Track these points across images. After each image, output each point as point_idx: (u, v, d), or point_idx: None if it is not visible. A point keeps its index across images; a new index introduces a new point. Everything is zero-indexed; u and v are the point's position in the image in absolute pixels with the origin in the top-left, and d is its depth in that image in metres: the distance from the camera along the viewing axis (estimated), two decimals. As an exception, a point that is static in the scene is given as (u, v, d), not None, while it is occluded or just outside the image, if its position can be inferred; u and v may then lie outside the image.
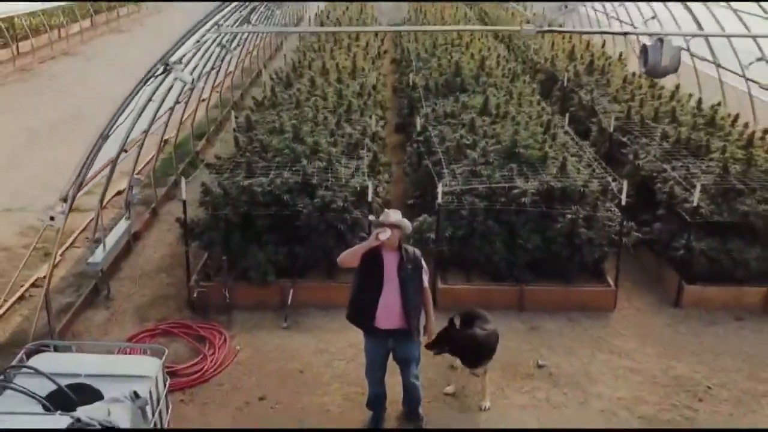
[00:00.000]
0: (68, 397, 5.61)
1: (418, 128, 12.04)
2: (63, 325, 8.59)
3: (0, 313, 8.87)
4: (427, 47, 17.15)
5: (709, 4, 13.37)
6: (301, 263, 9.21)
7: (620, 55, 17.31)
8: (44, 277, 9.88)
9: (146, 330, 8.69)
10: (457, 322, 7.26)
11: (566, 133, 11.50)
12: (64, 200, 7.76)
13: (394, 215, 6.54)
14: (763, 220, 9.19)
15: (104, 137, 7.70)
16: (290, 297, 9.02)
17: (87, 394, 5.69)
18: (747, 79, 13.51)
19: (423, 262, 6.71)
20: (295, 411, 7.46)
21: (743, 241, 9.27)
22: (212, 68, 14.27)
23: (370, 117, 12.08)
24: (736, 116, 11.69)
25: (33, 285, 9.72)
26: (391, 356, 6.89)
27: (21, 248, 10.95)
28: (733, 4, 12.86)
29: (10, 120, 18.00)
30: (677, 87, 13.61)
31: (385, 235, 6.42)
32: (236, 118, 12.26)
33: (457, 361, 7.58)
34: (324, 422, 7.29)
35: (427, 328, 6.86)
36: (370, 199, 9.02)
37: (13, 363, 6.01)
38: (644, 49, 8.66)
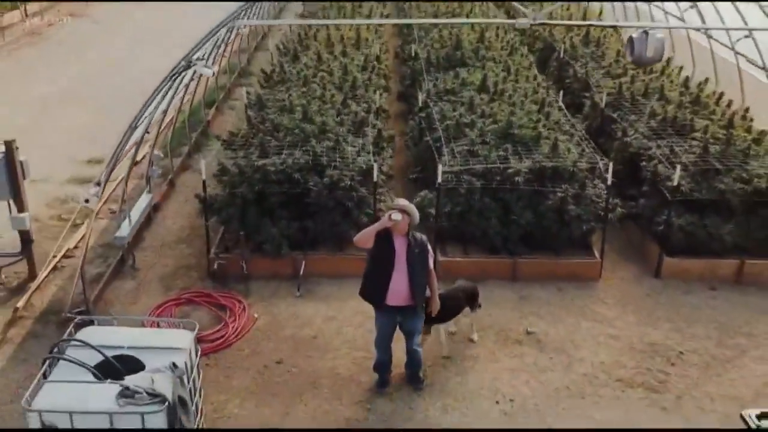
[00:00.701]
0: (115, 367, 6.45)
1: (420, 103, 12.72)
2: (96, 294, 9.42)
3: (37, 284, 9.68)
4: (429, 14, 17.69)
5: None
6: (311, 237, 10.01)
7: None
8: (74, 247, 10.76)
9: (171, 299, 9.52)
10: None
11: (560, 109, 12.17)
12: (97, 184, 8.51)
13: (404, 203, 7.34)
14: (738, 198, 9.94)
15: (133, 128, 8.41)
16: (302, 268, 9.83)
17: (131, 364, 6.51)
18: (736, 53, 14.11)
19: (429, 247, 7.51)
20: (309, 374, 8.33)
21: (719, 217, 10.05)
22: (222, 42, 14.85)
23: (375, 92, 12.76)
24: (721, 95, 12.34)
25: (64, 256, 10.51)
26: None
27: (49, 220, 11.72)
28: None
29: (23, 87, 18.58)
30: (669, 60, 14.20)
31: (397, 216, 7.21)
32: (248, 94, 12.91)
33: (452, 327, 8.50)
34: (335, 384, 8.16)
35: (431, 302, 7.70)
36: (375, 178, 9.77)
37: (64, 337, 6.83)
38: (630, 41, 9.29)
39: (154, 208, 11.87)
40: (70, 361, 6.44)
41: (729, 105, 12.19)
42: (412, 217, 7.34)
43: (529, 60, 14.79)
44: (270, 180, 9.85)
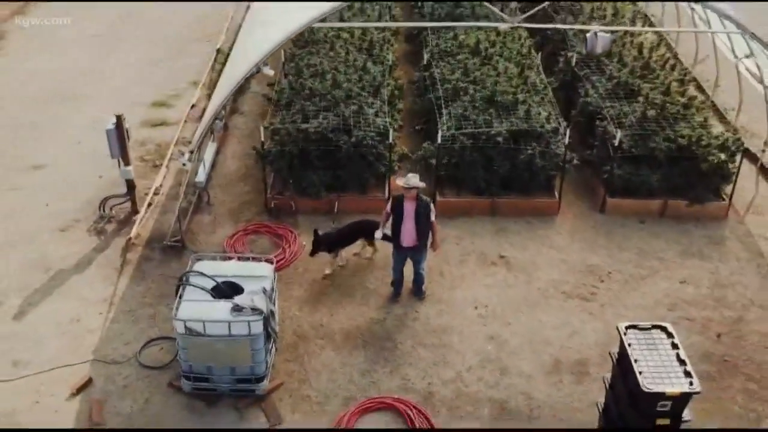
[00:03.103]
0: (225, 290, 9.90)
1: (425, 61, 15.69)
2: (185, 227, 12.81)
3: (140, 218, 13.04)
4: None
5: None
6: (342, 182, 13.28)
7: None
8: (160, 185, 14.04)
9: (241, 230, 12.91)
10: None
11: (537, 71, 15.12)
12: (191, 151, 11.73)
13: (414, 179, 10.60)
14: (665, 153, 13.10)
15: (219, 118, 11.53)
16: (336, 206, 13.18)
17: (234, 288, 9.97)
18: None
19: (432, 206, 10.85)
20: (345, 287, 11.83)
21: (650, 167, 13.26)
22: None
23: (387, 49, 15.74)
24: (667, 60, 15.25)
25: (154, 193, 13.81)
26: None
27: (133, 161, 14.93)
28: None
29: (73, 28, 20.78)
30: (631, 21, 16.89)
31: (402, 180, 10.59)
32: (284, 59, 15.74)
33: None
34: (364, 294, 11.67)
35: (434, 243, 11.12)
36: (390, 139, 12.95)
37: (187, 269, 10.23)
38: (585, 39, 12.22)
39: (216, 151, 15.06)
40: (195, 286, 9.91)
41: (673, 68, 15.12)
42: (420, 187, 10.64)
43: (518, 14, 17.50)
44: (310, 140, 13.01)
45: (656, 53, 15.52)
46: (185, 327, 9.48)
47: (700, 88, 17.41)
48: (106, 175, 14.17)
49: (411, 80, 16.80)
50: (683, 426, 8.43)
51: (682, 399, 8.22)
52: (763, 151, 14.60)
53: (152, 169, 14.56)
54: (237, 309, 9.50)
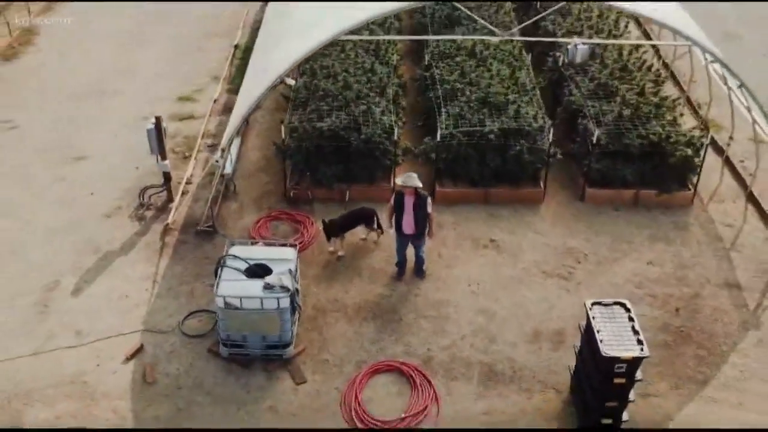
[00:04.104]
0: (256, 271, 11.72)
1: (426, 62, 17.39)
2: (215, 213, 14.60)
3: (176, 206, 14.84)
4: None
5: None
6: (352, 174, 15.04)
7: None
8: (191, 176, 15.82)
9: (264, 216, 14.71)
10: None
11: (527, 71, 16.82)
12: (222, 150, 13.50)
13: (410, 180, 12.37)
14: (637, 149, 14.85)
15: (245, 121, 13.26)
16: (347, 195, 14.97)
17: (264, 269, 11.79)
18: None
19: (429, 200, 12.62)
20: (355, 266, 13.65)
21: (625, 161, 15.01)
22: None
23: (392, 51, 17.42)
24: (644, 62, 16.93)
25: (186, 182, 15.59)
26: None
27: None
28: None
29: (98, 25, 22.60)
30: (615, 22, 18.55)
31: (401, 180, 12.38)
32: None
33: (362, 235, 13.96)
34: (372, 273, 13.50)
35: (430, 231, 12.93)
36: (396, 137, 14.71)
37: (224, 254, 12.03)
38: (566, 50, 13.92)
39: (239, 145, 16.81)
40: (231, 268, 11.74)
41: (650, 69, 16.82)
42: (417, 185, 12.41)
43: (510, 17, 19.17)
44: (324, 136, 14.76)
45: (634, 55, 17.18)
46: (224, 302, 11.32)
47: (677, 83, 19.16)
48: (141, 165, 15.94)
49: (413, 77, 18.49)
50: (635, 384, 10.30)
51: (635, 362, 10.05)
52: (728, 144, 16.35)
53: (183, 161, 16.32)
54: (268, 287, 11.34)
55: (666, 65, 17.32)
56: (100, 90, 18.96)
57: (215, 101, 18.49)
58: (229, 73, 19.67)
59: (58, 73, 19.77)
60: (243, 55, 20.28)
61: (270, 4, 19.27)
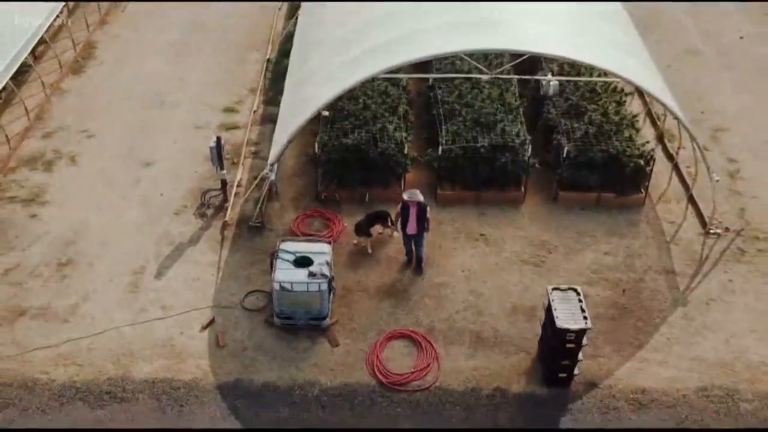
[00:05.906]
0: (303, 261, 15.51)
1: (430, 83, 21.02)
2: (264, 212, 18.36)
3: (230, 205, 18.59)
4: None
5: None
6: (371, 180, 18.77)
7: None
8: (240, 179, 19.58)
9: (301, 214, 18.47)
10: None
11: (513, 94, 20.42)
12: (272, 165, 17.22)
13: (413, 195, 16.10)
14: (600, 160, 18.51)
15: (291, 140, 16.97)
16: (367, 197, 18.72)
17: (308, 260, 15.58)
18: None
19: (428, 209, 16.35)
20: (375, 257, 17.42)
21: (590, 170, 18.70)
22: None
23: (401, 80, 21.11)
24: (609, 84, 20.53)
25: (237, 185, 19.33)
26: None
27: (217, 158, 20.38)
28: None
29: (149, 36, 26.10)
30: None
31: (407, 194, 16.15)
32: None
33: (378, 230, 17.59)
34: (388, 261, 17.28)
35: (427, 230, 16.68)
36: (406, 150, 18.43)
37: (276, 248, 15.80)
38: (543, 84, 17.55)
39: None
40: (283, 259, 15.54)
41: (614, 90, 20.43)
42: (419, 198, 16.16)
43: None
44: (348, 150, 18.47)
45: (603, 78, 20.79)
46: (280, 286, 15.16)
47: (642, 97, 22.74)
48: (199, 169, 19.68)
49: (419, 92, 22.12)
50: (583, 348, 14.16)
51: (581, 332, 13.89)
52: (677, 153, 20.06)
53: (231, 166, 20.03)
54: (312, 274, 15.18)
55: (622, 95, 20.95)
56: (160, 101, 22.55)
57: (254, 111, 22.12)
58: (263, 85, 23.26)
59: (122, 84, 23.34)
60: (274, 68, 23.83)
61: (300, 19, 22.68)
